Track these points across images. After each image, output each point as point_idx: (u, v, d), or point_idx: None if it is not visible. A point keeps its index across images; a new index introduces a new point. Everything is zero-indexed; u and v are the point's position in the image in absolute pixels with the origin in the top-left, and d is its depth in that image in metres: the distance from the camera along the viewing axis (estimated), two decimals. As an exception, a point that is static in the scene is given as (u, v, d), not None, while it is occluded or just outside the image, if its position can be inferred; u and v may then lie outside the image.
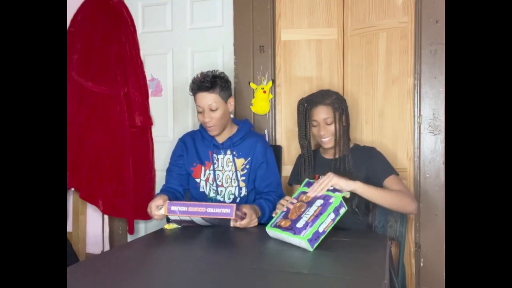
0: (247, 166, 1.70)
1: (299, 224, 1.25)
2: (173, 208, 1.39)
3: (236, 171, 1.69)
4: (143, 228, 2.52)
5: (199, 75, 1.65)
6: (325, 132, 1.60)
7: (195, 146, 1.75)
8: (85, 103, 2.40)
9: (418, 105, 1.88)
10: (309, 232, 1.20)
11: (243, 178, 1.69)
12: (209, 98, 1.60)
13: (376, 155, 1.63)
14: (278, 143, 2.14)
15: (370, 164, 1.59)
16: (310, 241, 1.19)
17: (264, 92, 2.10)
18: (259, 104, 2.12)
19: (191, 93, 1.66)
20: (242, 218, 1.44)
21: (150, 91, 2.44)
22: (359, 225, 1.56)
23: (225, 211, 1.36)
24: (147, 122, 2.41)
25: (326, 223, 1.24)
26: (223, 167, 1.70)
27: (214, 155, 1.71)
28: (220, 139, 1.72)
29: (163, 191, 1.72)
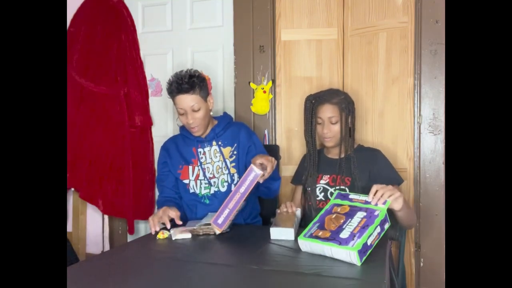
0: (235, 152, 1.69)
1: (344, 235, 1.13)
2: (220, 220, 1.40)
3: (224, 159, 1.68)
4: (143, 228, 2.52)
5: (173, 77, 1.64)
6: (328, 131, 1.60)
7: (178, 149, 1.74)
8: (85, 103, 2.40)
9: (418, 105, 1.88)
10: (358, 243, 1.08)
11: (233, 164, 1.69)
12: (190, 99, 1.60)
13: (381, 159, 1.62)
14: (278, 143, 2.14)
15: (375, 169, 1.59)
16: (360, 252, 1.07)
17: (264, 92, 2.10)
18: (259, 104, 2.12)
19: (169, 96, 1.65)
20: (263, 169, 1.40)
21: (150, 91, 2.44)
22: None
23: (253, 177, 1.36)
24: (147, 122, 2.41)
25: (373, 236, 1.13)
26: (211, 159, 1.69)
27: (200, 149, 1.70)
28: (203, 134, 1.71)
29: (162, 202, 1.69)
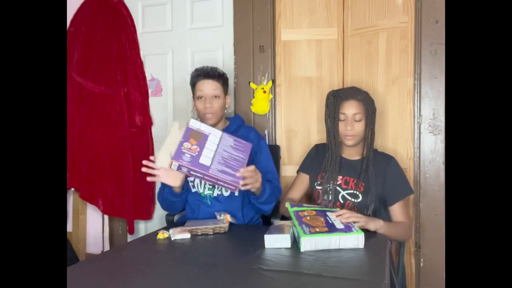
0: None
1: (339, 226, 1.28)
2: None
3: None
4: (143, 228, 2.52)
5: (200, 66, 1.71)
6: (351, 128, 1.55)
7: None
8: (85, 103, 2.40)
9: (418, 105, 1.88)
10: (358, 227, 1.27)
11: None
12: (214, 86, 1.66)
13: (396, 169, 1.59)
14: (278, 143, 2.14)
15: (388, 178, 1.57)
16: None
17: (264, 92, 2.10)
18: (259, 104, 2.12)
19: (194, 80, 1.69)
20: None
21: (150, 91, 2.44)
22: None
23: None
24: (147, 122, 2.41)
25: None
26: None
27: None
28: None
29: (166, 193, 1.69)
